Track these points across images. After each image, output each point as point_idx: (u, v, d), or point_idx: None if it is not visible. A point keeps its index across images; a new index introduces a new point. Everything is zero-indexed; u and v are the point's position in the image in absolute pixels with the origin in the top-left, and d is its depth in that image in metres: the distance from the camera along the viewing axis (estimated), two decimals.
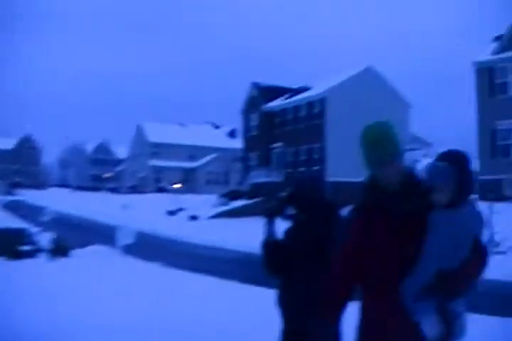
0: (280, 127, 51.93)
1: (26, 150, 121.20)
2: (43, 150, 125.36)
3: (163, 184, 79.56)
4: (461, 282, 3.18)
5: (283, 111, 51.86)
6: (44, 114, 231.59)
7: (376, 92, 47.47)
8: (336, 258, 3.56)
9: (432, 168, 3.20)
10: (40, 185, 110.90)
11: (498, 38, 36.48)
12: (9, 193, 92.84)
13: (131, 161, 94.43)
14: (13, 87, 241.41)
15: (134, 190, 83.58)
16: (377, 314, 3.33)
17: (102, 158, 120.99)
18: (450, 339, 3.24)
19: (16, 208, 53.00)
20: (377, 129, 3.44)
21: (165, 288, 12.49)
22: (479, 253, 3.26)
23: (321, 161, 45.99)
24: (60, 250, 17.91)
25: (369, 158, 3.38)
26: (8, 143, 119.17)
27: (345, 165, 38.77)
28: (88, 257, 17.77)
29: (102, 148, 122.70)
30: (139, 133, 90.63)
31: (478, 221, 3.25)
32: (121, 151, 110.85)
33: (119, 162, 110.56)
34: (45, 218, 35.73)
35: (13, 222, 30.00)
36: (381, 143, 3.37)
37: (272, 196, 4.79)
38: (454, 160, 3.20)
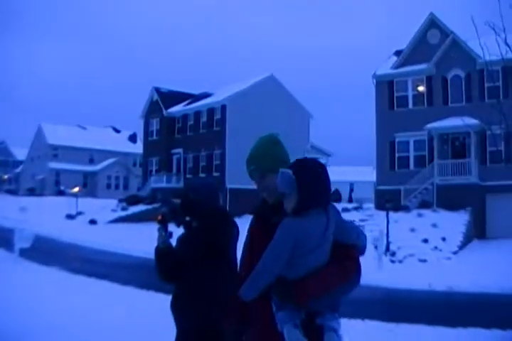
0: (181, 132, 52.24)
1: None
2: None
3: (62, 187, 78.20)
4: (310, 289, 3.13)
5: (184, 116, 52.17)
6: None
7: (278, 101, 48.52)
8: (241, 261, 3.68)
9: (279, 176, 3.23)
10: None
11: (398, 53, 37.89)
12: None
13: (30, 163, 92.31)
14: None
15: (33, 192, 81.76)
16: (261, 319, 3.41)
17: (1, 159, 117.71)
18: None
19: None
20: (257, 143, 3.68)
21: (62, 292, 12.62)
22: (341, 263, 3.26)
23: (222, 167, 46.38)
24: None
25: (247, 170, 3.63)
26: None
27: (244, 172, 38.96)
28: None
29: (1, 149, 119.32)
30: (39, 135, 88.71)
31: (320, 228, 3.21)
32: (20, 153, 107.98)
33: (18, 163, 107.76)
34: None
35: None
36: (255, 158, 3.61)
37: (166, 202, 4.95)
38: (296, 168, 3.22)
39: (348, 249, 3.30)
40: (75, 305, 11.02)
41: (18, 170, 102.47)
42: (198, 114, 50.66)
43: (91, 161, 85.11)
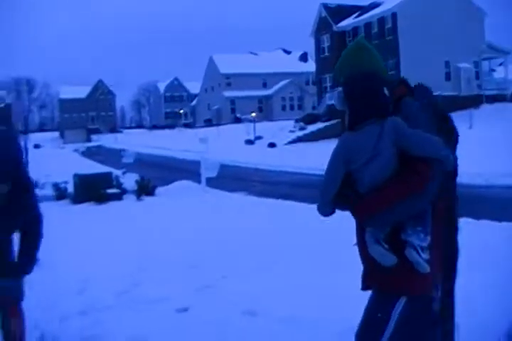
0: None
1: (100, 96, 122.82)
2: (117, 95, 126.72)
3: (238, 114, 79.65)
4: (380, 201, 3.09)
5: (354, 29, 51.10)
6: (113, 58, 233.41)
7: (448, 2, 45.47)
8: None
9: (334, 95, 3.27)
10: (116, 128, 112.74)
11: None
12: (88, 140, 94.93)
13: (205, 95, 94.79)
14: (78, 33, 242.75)
15: (210, 123, 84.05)
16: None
17: (176, 94, 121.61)
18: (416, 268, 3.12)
19: (96, 153, 54.07)
20: (343, 52, 3.42)
21: (256, 216, 12.41)
22: (411, 173, 3.06)
23: (396, 77, 44.83)
24: (145, 189, 18.04)
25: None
26: (82, 92, 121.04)
27: (419, 79, 37.61)
28: (174, 193, 17.86)
29: (175, 85, 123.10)
30: (211, 66, 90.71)
31: (371, 141, 3.12)
32: (193, 86, 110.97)
33: (193, 97, 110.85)
34: (126, 160, 36.20)
35: (96, 167, 30.53)
36: (340, 69, 3.38)
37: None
38: (345, 84, 3.27)
39: (417, 163, 3.06)
40: (264, 226, 10.74)
41: (194, 103, 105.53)
42: (368, 25, 49.59)
43: (264, 85, 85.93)
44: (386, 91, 3.20)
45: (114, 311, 6.22)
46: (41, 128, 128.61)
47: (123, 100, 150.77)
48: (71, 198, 18.40)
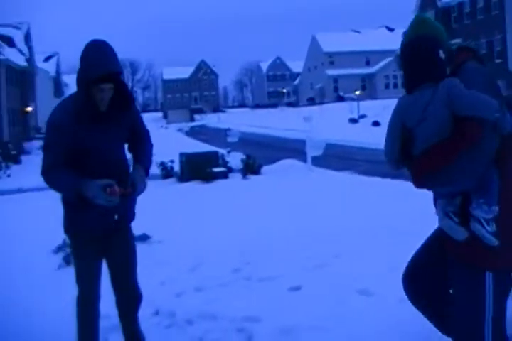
0: (458, 22, 49.77)
1: (203, 76, 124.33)
2: (219, 75, 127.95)
3: (341, 93, 79.04)
4: (436, 159, 3.08)
5: (459, 4, 49.81)
6: (215, 38, 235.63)
7: None
8: None
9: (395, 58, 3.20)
10: (219, 108, 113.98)
11: None
12: (191, 120, 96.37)
13: (308, 73, 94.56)
14: (180, 13, 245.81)
15: (313, 101, 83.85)
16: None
17: (278, 73, 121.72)
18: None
19: (199, 133, 54.78)
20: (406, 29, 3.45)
21: (364, 195, 12.25)
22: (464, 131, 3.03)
23: (503, 53, 43.43)
24: (251, 168, 18.14)
25: None
26: (185, 72, 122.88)
27: None
28: (279, 172, 17.88)
29: (278, 64, 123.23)
30: (314, 45, 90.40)
31: (421, 103, 3.16)
32: (296, 65, 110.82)
33: (295, 76, 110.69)
34: (231, 139, 36.46)
35: (200, 146, 30.93)
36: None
37: None
38: (400, 48, 3.35)
39: (466, 122, 3.01)
40: (373, 205, 10.58)
41: (296, 82, 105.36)
42: (474, 0, 47.82)
43: (367, 63, 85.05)
44: (442, 55, 3.20)
45: (228, 288, 6.24)
46: (144, 109, 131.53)
47: (225, 80, 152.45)
48: (177, 177, 18.71)
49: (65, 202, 4.20)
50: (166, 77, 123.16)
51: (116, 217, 4.16)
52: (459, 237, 3.14)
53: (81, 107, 3.96)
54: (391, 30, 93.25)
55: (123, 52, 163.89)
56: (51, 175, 4.00)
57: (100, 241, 4.21)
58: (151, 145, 4.53)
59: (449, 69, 3.27)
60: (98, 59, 3.86)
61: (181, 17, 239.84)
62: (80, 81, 3.96)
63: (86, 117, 3.97)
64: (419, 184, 3.27)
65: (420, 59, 3.19)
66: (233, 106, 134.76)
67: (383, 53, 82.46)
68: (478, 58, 3.37)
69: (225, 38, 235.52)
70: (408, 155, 3.28)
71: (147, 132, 4.57)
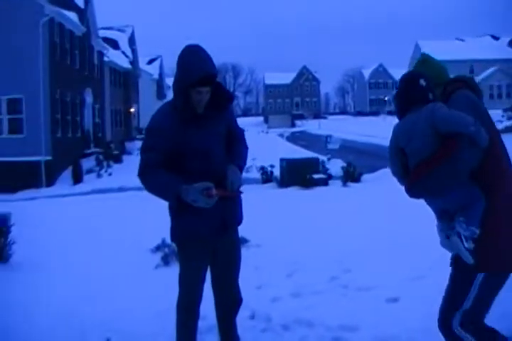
0: None
1: (305, 82, 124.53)
2: (321, 81, 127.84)
3: None
4: (429, 170, 3.40)
5: None
6: (317, 44, 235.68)
7: None
8: None
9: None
10: (320, 114, 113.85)
11: None
12: (292, 125, 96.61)
13: None
14: (282, 20, 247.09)
15: None
16: None
17: (380, 81, 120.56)
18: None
19: (300, 138, 54.80)
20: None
21: None
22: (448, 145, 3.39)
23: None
24: (351, 176, 18.03)
25: None
26: (287, 78, 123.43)
27: None
28: (380, 181, 17.67)
29: (380, 72, 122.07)
30: (417, 52, 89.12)
31: (408, 125, 3.60)
32: (398, 73, 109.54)
33: (397, 84, 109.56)
34: (332, 146, 36.38)
35: (301, 152, 30.92)
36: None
37: None
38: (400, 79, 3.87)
39: (448, 139, 3.39)
40: None
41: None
42: None
43: (471, 72, 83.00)
44: (423, 82, 3.66)
45: (325, 296, 6.18)
46: (246, 113, 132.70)
47: (327, 86, 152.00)
48: (277, 182, 18.80)
49: (170, 208, 4.27)
50: (268, 82, 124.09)
51: (220, 219, 4.19)
52: (469, 261, 3.45)
53: (179, 110, 4.06)
54: (496, 38, 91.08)
55: (226, 55, 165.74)
56: (148, 177, 4.09)
57: (207, 244, 4.25)
58: (246, 146, 4.57)
59: (442, 98, 3.70)
60: (194, 63, 3.97)
61: (284, 22, 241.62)
62: (177, 85, 4.08)
63: (185, 120, 4.07)
64: (411, 193, 3.60)
65: (403, 87, 3.75)
66: (334, 113, 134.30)
67: (487, 62, 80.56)
68: (470, 87, 3.78)
69: (328, 44, 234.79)
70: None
71: (242, 132, 4.62)
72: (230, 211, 4.27)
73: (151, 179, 4.07)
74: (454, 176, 3.38)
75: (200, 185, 3.91)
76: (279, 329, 5.31)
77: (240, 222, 4.47)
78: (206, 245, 4.25)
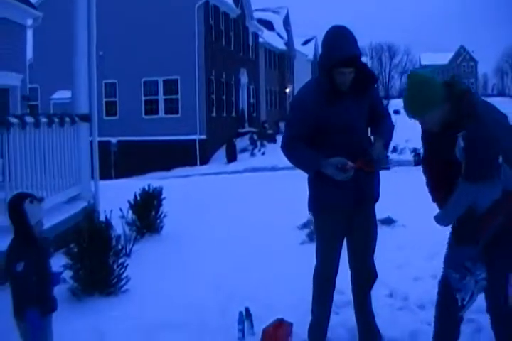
0: None
1: (462, 62, 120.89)
2: (479, 61, 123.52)
3: None
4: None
5: None
6: (475, 22, 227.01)
7: None
8: None
9: None
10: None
11: None
12: None
13: None
14: None
15: None
16: None
17: None
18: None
19: None
20: (407, 87, 3.81)
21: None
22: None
23: None
24: None
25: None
26: (444, 58, 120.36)
27: None
28: None
29: None
30: None
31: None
32: None
33: None
34: None
35: None
36: (408, 107, 3.80)
37: None
38: None
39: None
40: None
41: None
42: None
43: None
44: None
45: None
46: (401, 95, 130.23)
47: (486, 67, 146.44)
48: None
49: (309, 180, 4.46)
50: (424, 62, 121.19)
51: (356, 192, 4.32)
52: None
53: (323, 89, 4.19)
54: None
55: (381, 35, 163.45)
56: (291, 149, 4.32)
57: (342, 214, 4.39)
58: (392, 124, 4.59)
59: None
60: (336, 45, 4.06)
61: (440, 0, 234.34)
62: (322, 65, 4.20)
63: (328, 97, 4.19)
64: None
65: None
66: (491, 95, 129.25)
67: None
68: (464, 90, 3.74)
69: (487, 23, 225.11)
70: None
71: (387, 112, 4.66)
72: (366, 185, 4.39)
73: (295, 153, 4.30)
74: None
75: (334, 161, 4.10)
76: (415, 309, 5.36)
77: (376, 199, 4.56)
78: (341, 216, 4.39)
